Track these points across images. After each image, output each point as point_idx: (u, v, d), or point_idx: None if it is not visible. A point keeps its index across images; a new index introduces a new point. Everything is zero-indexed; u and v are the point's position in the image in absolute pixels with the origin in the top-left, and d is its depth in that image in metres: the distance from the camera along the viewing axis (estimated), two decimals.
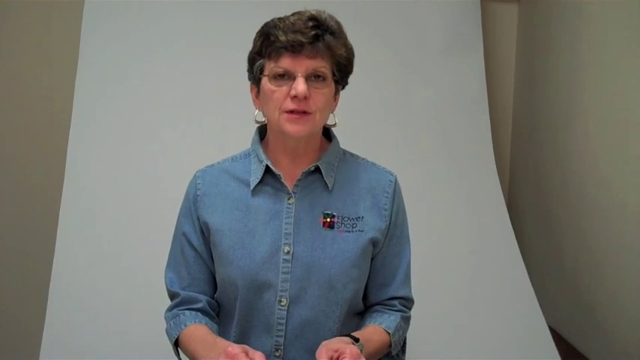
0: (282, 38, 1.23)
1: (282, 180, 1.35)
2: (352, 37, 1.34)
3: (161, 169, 2.22)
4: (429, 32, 2.56)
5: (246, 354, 1.15)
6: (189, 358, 1.34)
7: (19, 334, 2.31)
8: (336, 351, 1.17)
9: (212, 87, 2.35)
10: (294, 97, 1.25)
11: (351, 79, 1.37)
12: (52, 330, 2.01)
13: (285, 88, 1.26)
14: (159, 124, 2.31)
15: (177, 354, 1.40)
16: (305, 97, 1.24)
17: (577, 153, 2.18)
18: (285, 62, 1.25)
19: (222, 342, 1.24)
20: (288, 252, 1.33)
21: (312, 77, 1.26)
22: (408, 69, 2.54)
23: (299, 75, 1.24)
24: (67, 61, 2.42)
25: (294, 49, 1.23)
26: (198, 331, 1.33)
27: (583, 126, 2.14)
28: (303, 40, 1.22)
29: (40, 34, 2.58)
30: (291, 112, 1.26)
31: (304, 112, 1.26)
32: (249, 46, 1.34)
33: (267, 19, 1.31)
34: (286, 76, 1.26)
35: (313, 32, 1.23)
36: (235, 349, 1.15)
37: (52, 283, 2.09)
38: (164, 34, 2.39)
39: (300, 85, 1.24)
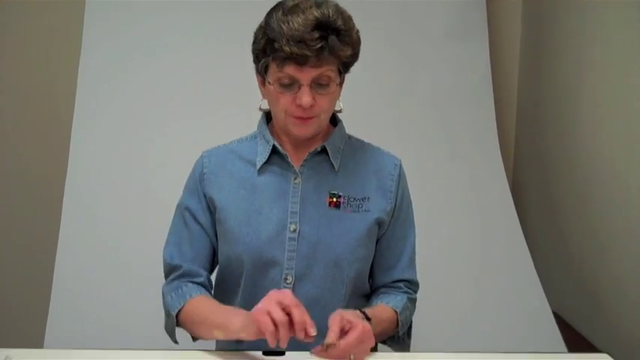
0: (287, 49, 1.20)
1: (289, 160, 1.35)
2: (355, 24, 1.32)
3: (163, 160, 2.22)
4: (433, 17, 2.56)
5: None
6: (194, 327, 1.32)
7: (23, 323, 2.32)
8: (350, 322, 1.17)
9: (214, 81, 2.35)
10: (299, 106, 1.25)
11: (355, 65, 1.35)
12: (56, 319, 2.01)
13: (290, 95, 1.26)
14: (161, 119, 2.32)
15: (173, 332, 1.38)
16: (310, 106, 1.25)
17: (582, 138, 2.16)
18: (290, 70, 1.23)
19: (242, 310, 1.23)
20: (295, 230, 1.33)
21: (317, 83, 1.26)
22: (412, 54, 2.53)
23: (304, 84, 1.24)
24: (69, 55, 2.42)
25: (299, 60, 1.21)
26: (208, 301, 1.33)
27: (588, 111, 2.13)
28: (309, 53, 1.20)
29: (42, 30, 2.58)
30: (297, 117, 1.28)
31: (309, 118, 1.28)
32: (250, 38, 1.32)
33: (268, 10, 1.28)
34: (291, 84, 1.25)
35: (319, 44, 1.20)
36: (295, 300, 1.13)
37: (55, 272, 2.10)
38: (165, 28, 2.39)
39: (305, 97, 1.24)
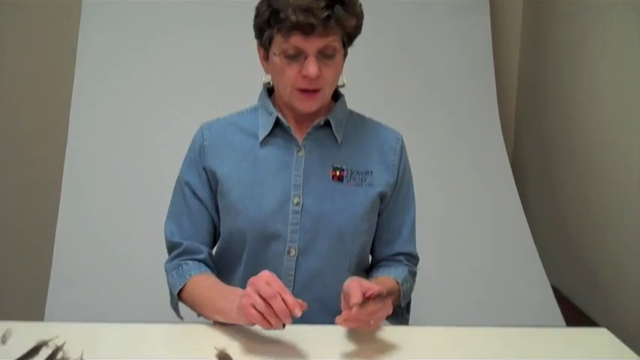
0: (293, 18, 1.19)
1: (292, 133, 1.34)
2: None
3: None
4: None
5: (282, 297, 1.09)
6: (195, 308, 1.33)
7: (23, 297, 2.33)
8: (370, 288, 1.13)
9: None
10: (305, 77, 1.24)
11: (356, 41, 1.34)
12: (56, 292, 2.02)
13: (295, 66, 1.25)
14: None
15: (177, 308, 1.39)
16: (316, 77, 1.24)
17: (582, 114, 2.16)
18: (296, 41, 1.22)
19: (240, 290, 1.22)
20: (298, 203, 1.32)
21: (323, 54, 1.24)
22: (413, 29, 2.51)
23: (310, 54, 1.23)
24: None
25: (305, 30, 1.20)
26: (208, 280, 1.33)
27: (589, 87, 2.12)
28: (315, 22, 1.19)
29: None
30: (303, 90, 1.26)
31: (315, 90, 1.27)
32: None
33: None
34: (297, 55, 1.24)
35: (325, 13, 1.19)
36: (271, 290, 1.09)
37: (55, 245, 2.10)
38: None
39: (311, 67, 1.22)
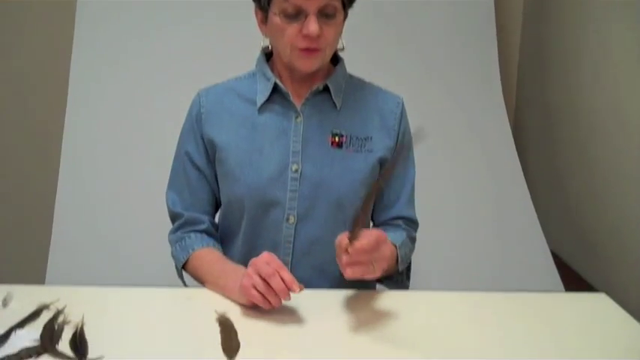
0: None
1: (290, 98, 1.33)
2: None
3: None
4: None
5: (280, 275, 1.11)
6: (198, 281, 1.34)
7: (24, 260, 2.34)
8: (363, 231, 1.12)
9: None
10: (306, 36, 1.22)
11: (356, 5, 1.32)
12: (57, 256, 2.03)
13: (296, 25, 1.22)
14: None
15: (182, 278, 1.41)
16: (317, 36, 1.22)
17: (586, 78, 2.14)
18: None
19: (242, 268, 1.22)
20: (297, 170, 1.32)
21: (323, 13, 1.22)
22: None
23: (311, 13, 1.21)
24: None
25: None
26: (211, 255, 1.33)
27: (594, 50, 2.09)
28: None
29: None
30: (303, 49, 1.24)
31: (315, 49, 1.24)
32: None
33: None
34: (297, 14, 1.22)
35: None
36: (270, 268, 1.11)
37: (56, 207, 2.10)
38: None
39: (312, 25, 1.20)
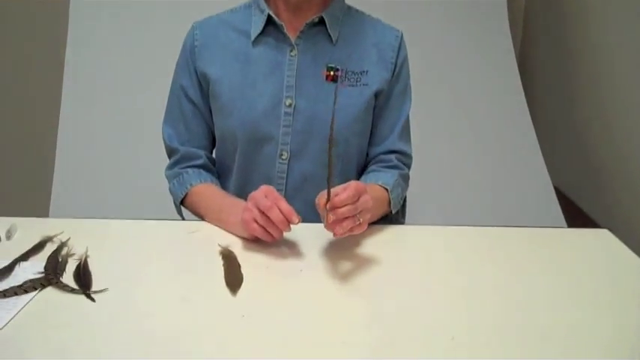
0: None
1: (285, 31, 1.29)
2: None
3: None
4: None
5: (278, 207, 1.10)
6: (198, 216, 1.34)
7: (27, 193, 2.35)
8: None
9: None
10: None
11: None
12: (60, 188, 2.03)
13: None
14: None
15: (181, 213, 1.41)
16: None
17: (595, 10, 2.08)
18: None
19: (242, 202, 1.21)
20: (290, 105, 1.30)
21: None
22: None
23: None
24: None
25: None
26: (209, 190, 1.33)
27: None
28: None
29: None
30: None
31: None
32: None
33: None
34: None
35: None
36: (268, 201, 1.10)
37: (58, 141, 2.09)
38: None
39: None
